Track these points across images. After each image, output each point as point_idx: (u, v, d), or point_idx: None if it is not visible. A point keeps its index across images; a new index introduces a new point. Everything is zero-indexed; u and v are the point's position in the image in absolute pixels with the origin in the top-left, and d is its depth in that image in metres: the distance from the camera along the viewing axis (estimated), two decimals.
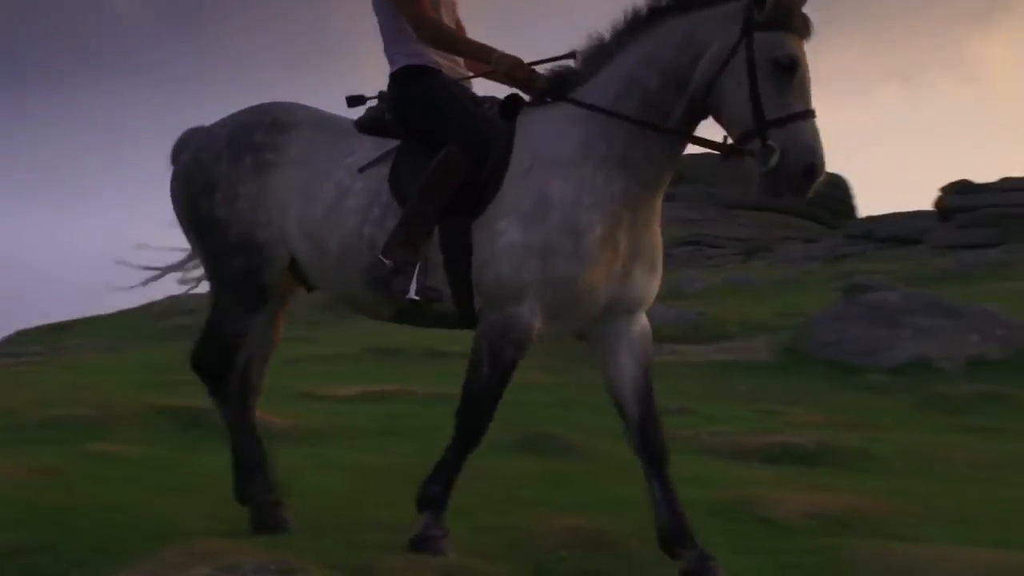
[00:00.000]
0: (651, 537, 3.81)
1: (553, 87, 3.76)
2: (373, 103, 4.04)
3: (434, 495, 3.77)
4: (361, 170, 3.85)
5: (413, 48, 3.96)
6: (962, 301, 13.49)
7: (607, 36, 3.70)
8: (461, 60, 4.09)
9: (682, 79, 3.52)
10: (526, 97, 3.82)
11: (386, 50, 4.02)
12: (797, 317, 14.83)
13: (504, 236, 3.57)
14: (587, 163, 3.60)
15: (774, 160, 3.31)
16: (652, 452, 3.72)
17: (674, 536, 3.67)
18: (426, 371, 11.99)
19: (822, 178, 3.36)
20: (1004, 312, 12.98)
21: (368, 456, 6.08)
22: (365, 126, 4.00)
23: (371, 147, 3.92)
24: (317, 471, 5.38)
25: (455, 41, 3.96)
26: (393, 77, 4.00)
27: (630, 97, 3.59)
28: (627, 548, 4.04)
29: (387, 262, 3.61)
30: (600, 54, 3.71)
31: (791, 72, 3.36)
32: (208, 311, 4.18)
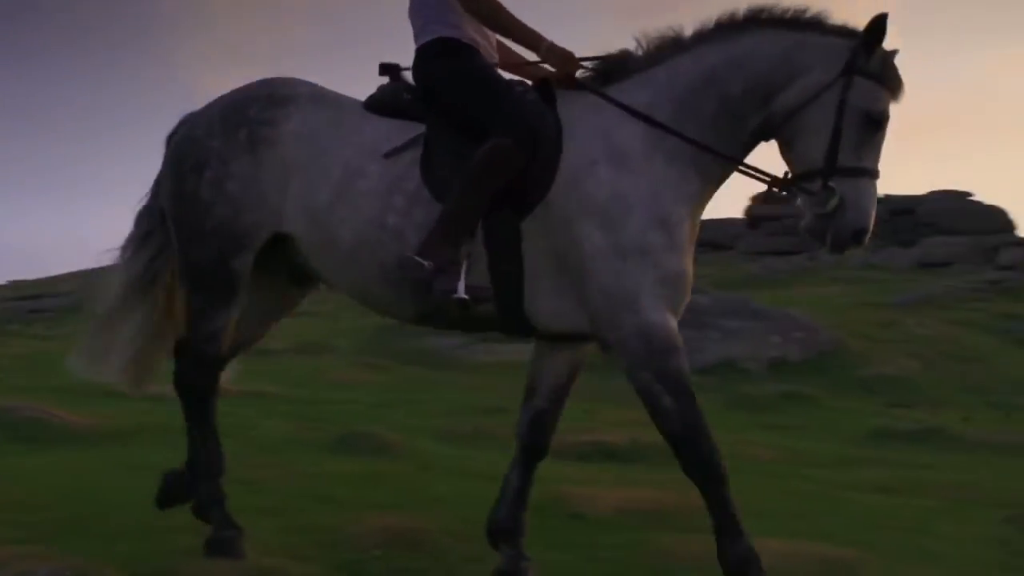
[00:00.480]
0: (465, 534, 3.83)
1: (603, 74, 3.47)
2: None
3: (743, 552, 3.21)
4: (387, 155, 3.44)
5: (451, 20, 3.53)
6: (767, 305, 14.17)
7: (685, 32, 3.44)
8: (494, 43, 3.68)
9: (768, 94, 3.32)
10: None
11: (416, 16, 3.59)
12: None
13: (588, 241, 3.24)
14: (657, 155, 3.32)
15: (832, 204, 3.22)
16: (534, 446, 3.72)
17: (504, 531, 3.67)
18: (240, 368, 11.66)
19: (866, 243, 3.31)
20: (804, 315, 13.71)
21: (178, 455, 5.86)
22: (375, 106, 3.60)
23: (385, 128, 3.51)
24: (123, 472, 5.16)
25: (507, 21, 3.48)
26: (423, 50, 3.55)
27: (707, 97, 3.35)
28: (440, 546, 4.05)
29: (425, 263, 3.22)
30: (671, 45, 3.44)
31: (876, 128, 3.27)
32: (186, 318, 3.77)
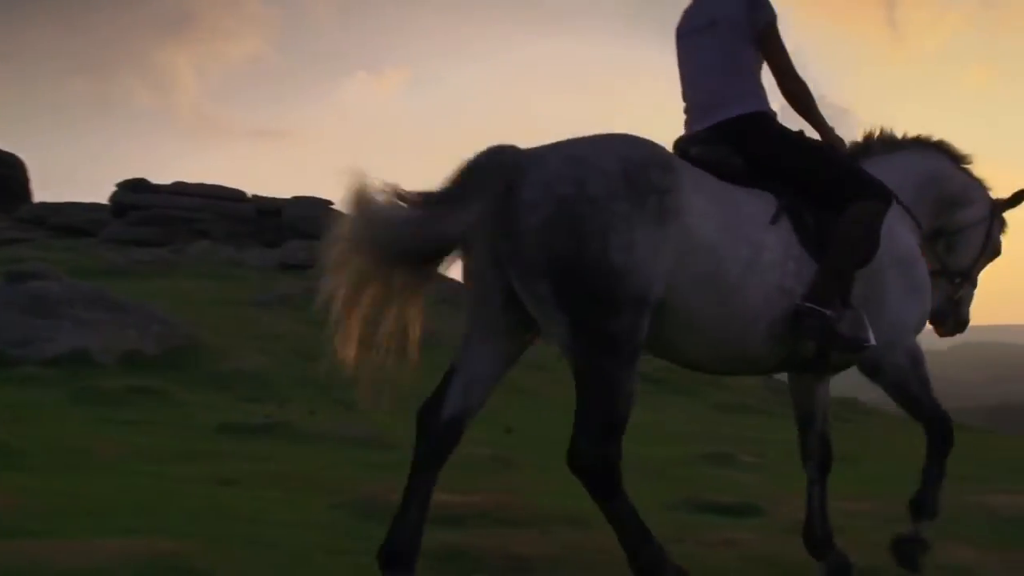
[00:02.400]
0: None
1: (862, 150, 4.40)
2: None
3: (933, 504, 4.26)
4: (773, 222, 3.73)
5: (761, 93, 3.99)
6: (126, 296, 13.74)
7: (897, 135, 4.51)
8: None
9: (955, 205, 4.60)
10: None
11: (722, 83, 3.95)
12: None
13: (894, 284, 4.01)
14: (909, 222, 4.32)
15: (957, 296, 4.67)
16: (826, 460, 4.40)
17: (820, 541, 4.33)
18: None
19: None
20: (163, 309, 13.53)
21: None
22: (712, 168, 3.75)
23: (749, 197, 3.74)
24: None
25: (813, 107, 4.05)
26: (753, 118, 3.92)
27: (932, 188, 4.48)
28: None
29: (828, 312, 3.67)
30: (889, 141, 4.48)
31: (993, 259, 4.79)
32: (587, 390, 3.35)
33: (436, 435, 3.45)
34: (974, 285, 4.78)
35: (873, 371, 4.12)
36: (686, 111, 4.07)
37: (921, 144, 4.54)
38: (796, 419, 4.42)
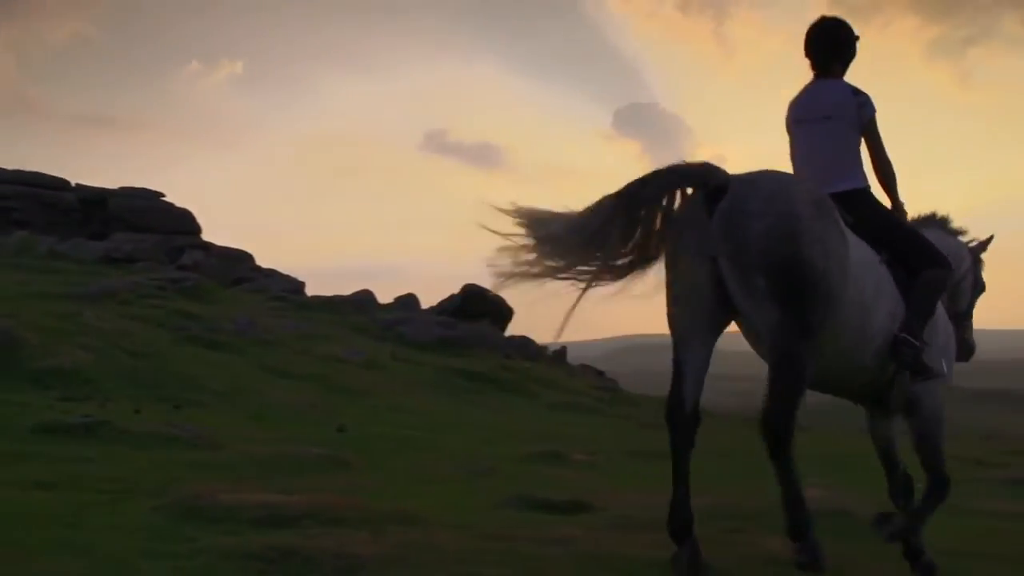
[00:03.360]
0: None
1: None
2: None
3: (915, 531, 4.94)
4: (885, 263, 4.70)
5: (864, 173, 5.05)
6: None
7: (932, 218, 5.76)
8: None
9: (958, 266, 5.54)
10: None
11: (839, 167, 4.98)
12: None
13: (945, 330, 5.08)
14: None
15: (962, 334, 5.60)
16: (909, 490, 5.41)
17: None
18: None
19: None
20: None
21: None
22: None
23: (866, 245, 4.61)
24: None
25: (895, 186, 5.17)
26: (860, 193, 4.98)
27: (952, 255, 5.35)
28: None
29: (916, 343, 4.59)
30: (931, 219, 5.72)
31: (981, 294, 5.87)
32: (782, 368, 4.18)
33: (686, 425, 4.22)
34: (971, 317, 5.90)
35: (913, 406, 4.90)
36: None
37: (928, 222, 5.69)
38: (881, 460, 5.48)
